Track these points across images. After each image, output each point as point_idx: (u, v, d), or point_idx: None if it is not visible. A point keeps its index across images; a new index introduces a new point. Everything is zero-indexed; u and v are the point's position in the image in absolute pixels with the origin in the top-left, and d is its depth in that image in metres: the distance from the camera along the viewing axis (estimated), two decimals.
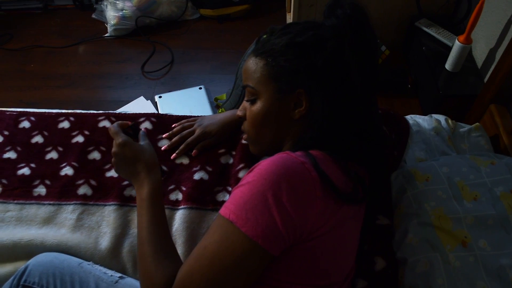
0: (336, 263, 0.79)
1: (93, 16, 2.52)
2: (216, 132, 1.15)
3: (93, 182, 1.11)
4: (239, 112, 0.95)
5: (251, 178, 0.71)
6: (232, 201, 0.71)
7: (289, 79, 0.82)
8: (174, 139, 1.17)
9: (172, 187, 1.10)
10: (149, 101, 2.04)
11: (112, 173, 1.13)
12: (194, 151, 1.15)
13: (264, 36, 0.88)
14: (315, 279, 0.76)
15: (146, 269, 0.77)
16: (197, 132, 1.15)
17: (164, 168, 1.13)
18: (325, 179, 0.72)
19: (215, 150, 1.17)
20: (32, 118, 1.26)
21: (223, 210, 0.72)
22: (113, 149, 0.95)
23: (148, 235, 0.82)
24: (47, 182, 1.12)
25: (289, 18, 2.04)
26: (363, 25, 0.80)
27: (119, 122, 1.01)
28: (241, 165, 1.11)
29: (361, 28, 0.80)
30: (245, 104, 0.92)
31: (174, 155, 1.15)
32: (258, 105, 0.86)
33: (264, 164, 0.72)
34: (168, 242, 0.83)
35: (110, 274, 0.93)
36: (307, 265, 0.74)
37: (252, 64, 0.87)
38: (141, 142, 0.99)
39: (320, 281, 0.76)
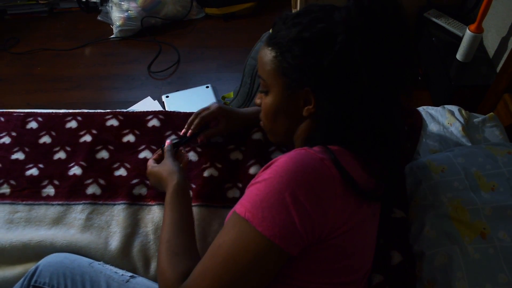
0: (356, 262, 0.76)
1: (99, 18, 2.51)
2: (231, 114, 1.11)
3: (101, 181, 1.10)
4: (257, 100, 0.92)
5: (267, 175, 0.69)
6: (247, 198, 0.69)
7: (296, 76, 0.78)
8: (190, 119, 1.12)
9: None
10: (156, 101, 2.03)
11: (121, 172, 1.12)
12: (201, 137, 1.11)
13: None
14: (333, 278, 0.73)
15: (160, 266, 0.78)
16: (213, 107, 1.10)
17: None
18: (346, 177, 0.69)
19: (224, 146, 1.15)
20: (40, 119, 1.25)
21: (238, 208, 0.69)
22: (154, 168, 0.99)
23: (165, 234, 0.83)
24: (56, 182, 1.11)
25: None
26: (383, 17, 0.71)
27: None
28: (251, 161, 1.10)
29: (379, 21, 0.71)
30: (260, 93, 0.89)
31: (189, 131, 1.10)
32: (269, 98, 0.84)
33: (281, 161, 0.69)
34: (183, 240, 0.82)
35: (121, 274, 0.91)
36: (326, 264, 0.72)
37: (264, 54, 0.82)
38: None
39: (339, 279, 0.74)
